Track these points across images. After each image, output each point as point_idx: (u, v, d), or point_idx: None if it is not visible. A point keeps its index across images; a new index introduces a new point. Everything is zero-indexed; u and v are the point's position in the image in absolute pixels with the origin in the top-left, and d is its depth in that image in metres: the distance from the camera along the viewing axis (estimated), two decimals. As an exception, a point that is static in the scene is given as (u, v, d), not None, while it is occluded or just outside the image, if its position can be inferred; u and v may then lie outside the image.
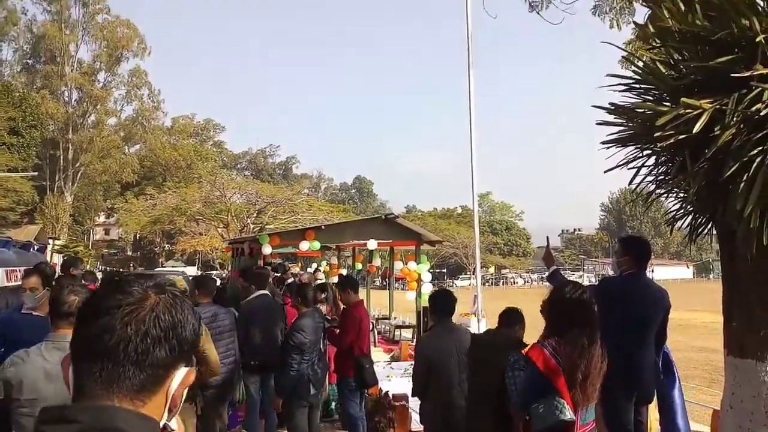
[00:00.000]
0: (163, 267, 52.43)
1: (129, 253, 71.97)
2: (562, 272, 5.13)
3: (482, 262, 69.53)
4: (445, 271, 70.63)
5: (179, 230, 45.33)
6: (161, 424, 1.08)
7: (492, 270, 74.34)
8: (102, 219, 68.40)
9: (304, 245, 13.07)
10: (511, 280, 75.55)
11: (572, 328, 3.38)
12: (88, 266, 21.20)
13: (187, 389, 1.13)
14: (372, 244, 13.41)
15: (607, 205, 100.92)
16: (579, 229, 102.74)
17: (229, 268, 18.57)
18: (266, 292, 6.61)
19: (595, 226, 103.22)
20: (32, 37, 53.46)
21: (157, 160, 61.34)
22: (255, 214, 40.27)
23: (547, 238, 5.89)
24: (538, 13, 6.62)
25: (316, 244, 13.12)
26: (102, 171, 53.27)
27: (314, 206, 44.17)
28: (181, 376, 1.11)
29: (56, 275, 6.31)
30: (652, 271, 77.83)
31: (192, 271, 39.86)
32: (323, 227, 14.05)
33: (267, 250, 12.68)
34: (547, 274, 5.00)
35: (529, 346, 3.70)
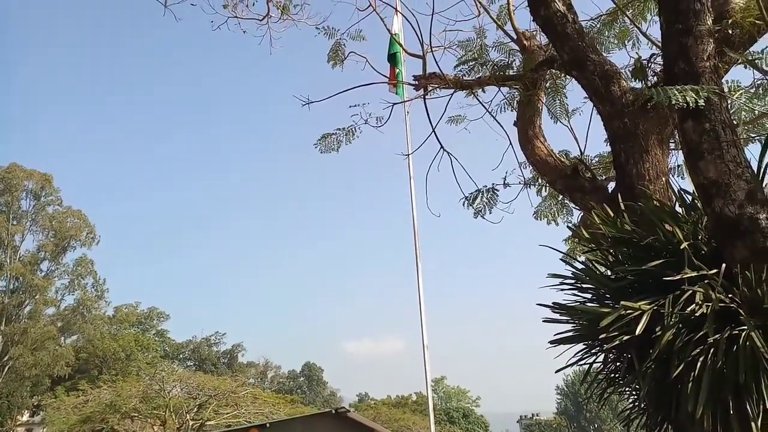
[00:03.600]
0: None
1: (52, 456, 64.88)
2: None
3: (440, 456, 65.76)
4: (400, 467, 65.93)
5: (111, 429, 41.64)
6: None
7: (450, 463, 69.93)
8: (26, 418, 62.50)
9: (248, 446, 12.15)
10: (471, 473, 70.87)
11: None
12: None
13: None
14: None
15: (563, 389, 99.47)
16: (537, 414, 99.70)
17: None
18: None
19: (552, 411, 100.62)
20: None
21: (94, 352, 58.21)
22: (195, 409, 37.68)
23: None
24: (482, 217, 7.05)
25: (261, 445, 12.21)
26: (33, 364, 49.87)
27: (260, 398, 41.82)
28: None
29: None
30: (614, 458, 75.12)
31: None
32: (268, 425, 13.22)
33: (207, 453, 11.68)
34: None
35: None
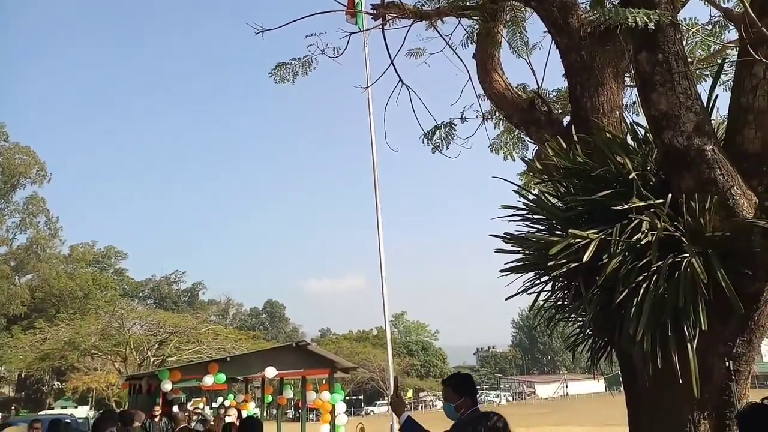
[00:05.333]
0: (50, 408, 47.35)
1: (11, 394, 64.72)
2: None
3: (400, 386, 67.97)
4: (362, 397, 68.27)
5: (71, 366, 41.60)
6: None
7: (410, 394, 72.59)
8: (-18, 357, 61.80)
9: (208, 380, 12.30)
10: (431, 403, 73.91)
11: None
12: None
13: None
14: (270, 372, 12.81)
15: (518, 322, 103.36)
16: (493, 347, 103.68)
17: (126, 407, 17.01)
18: None
19: (508, 343, 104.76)
20: None
21: (50, 291, 57.36)
22: (156, 346, 37.87)
23: (395, 378, 4.96)
24: (440, 152, 7.03)
25: (221, 377, 12.39)
26: (-14, 304, 49.07)
27: (221, 334, 42.24)
28: None
29: None
30: (566, 386, 79.33)
31: (84, 411, 36.16)
32: (228, 359, 13.37)
33: (167, 386, 11.80)
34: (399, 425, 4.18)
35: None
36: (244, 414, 15.24)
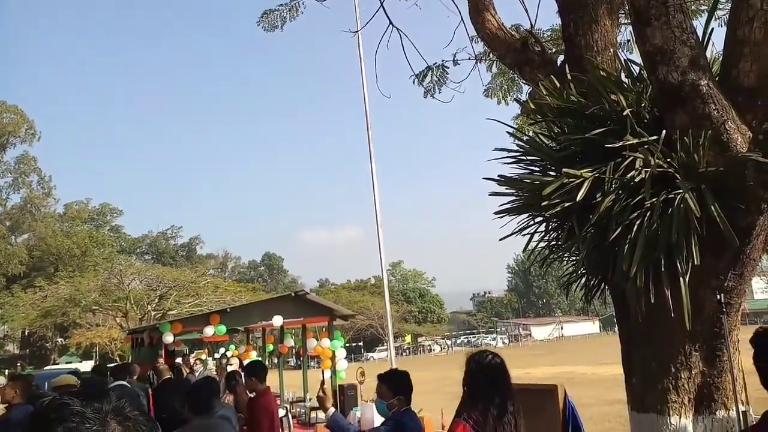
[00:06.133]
0: (56, 364, 48.23)
1: (16, 351, 65.76)
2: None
3: (398, 332, 69.49)
4: (361, 344, 69.62)
5: (73, 323, 42.16)
6: None
7: (408, 339, 74.07)
8: (-16, 316, 62.44)
9: (209, 330, 12.50)
10: (428, 347, 75.53)
11: (490, 396, 3.34)
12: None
13: None
14: (277, 320, 13.05)
15: (513, 267, 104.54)
16: (489, 292, 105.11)
17: (130, 360, 17.34)
18: None
19: (503, 288, 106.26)
20: None
21: (48, 249, 57.57)
22: (156, 300, 38.32)
23: (321, 383, 5.08)
24: (432, 96, 6.94)
25: (222, 328, 12.58)
26: (-16, 264, 49.30)
27: (221, 287, 42.70)
28: None
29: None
30: (561, 327, 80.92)
31: (89, 366, 36.87)
32: (229, 310, 13.54)
33: (169, 338, 11.99)
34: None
35: (451, 421, 3.62)
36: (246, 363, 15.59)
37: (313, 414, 14.75)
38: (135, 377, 8.06)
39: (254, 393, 5.86)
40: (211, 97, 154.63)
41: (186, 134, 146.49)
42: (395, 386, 3.84)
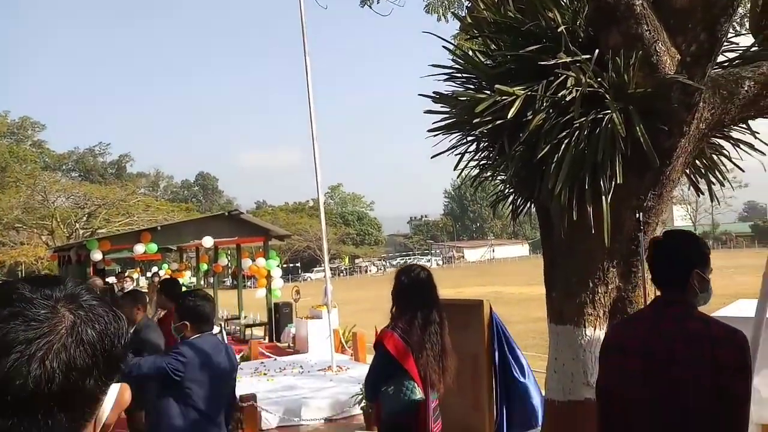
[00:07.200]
0: (-22, 284, 46.36)
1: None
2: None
3: (336, 253, 70.43)
4: (299, 265, 70.27)
5: (-5, 241, 40.35)
6: None
7: (346, 260, 75.29)
8: None
9: (140, 248, 12.22)
10: (365, 268, 77.08)
11: (416, 307, 3.43)
12: None
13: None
14: (207, 241, 12.89)
15: (450, 192, 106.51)
16: (426, 216, 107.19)
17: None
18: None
19: (440, 212, 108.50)
20: None
21: (-37, 164, 54.05)
22: (85, 219, 37.03)
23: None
24: (369, 6, 6.68)
25: (153, 247, 12.32)
26: None
27: (152, 206, 41.58)
28: (113, 399, 0.87)
29: None
30: (493, 250, 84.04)
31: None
32: (160, 228, 13.21)
33: (97, 256, 11.66)
34: None
35: (380, 331, 3.71)
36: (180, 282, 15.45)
37: (248, 331, 14.95)
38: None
39: (165, 310, 5.80)
40: (138, 10, 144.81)
41: (116, 40, 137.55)
42: (181, 308, 3.43)
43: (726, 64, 3.93)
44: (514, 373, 5.18)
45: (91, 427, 0.84)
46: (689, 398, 2.10)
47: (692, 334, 2.16)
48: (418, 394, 3.37)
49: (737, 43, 4.08)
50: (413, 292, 3.42)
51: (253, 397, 6.10)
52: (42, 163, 66.59)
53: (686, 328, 2.18)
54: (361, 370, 5.14)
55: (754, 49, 3.88)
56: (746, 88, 3.47)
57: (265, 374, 8.97)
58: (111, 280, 15.43)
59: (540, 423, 4.88)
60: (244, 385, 7.83)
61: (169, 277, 10.88)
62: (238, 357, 10.98)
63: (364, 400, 6.05)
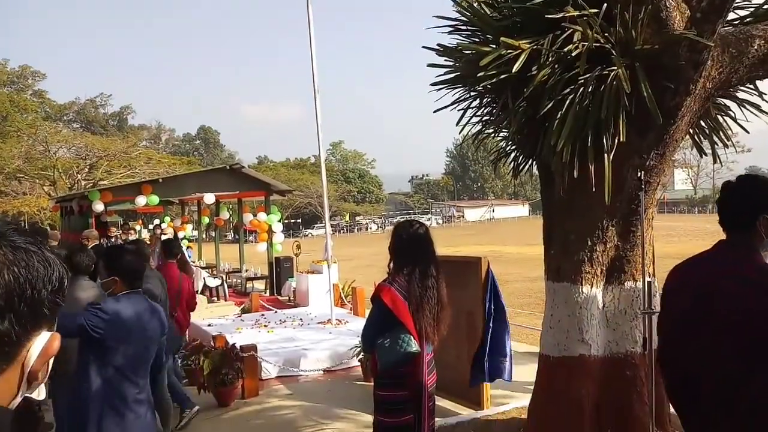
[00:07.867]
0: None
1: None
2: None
3: (336, 211, 70.48)
4: (300, 221, 70.44)
5: (-2, 191, 40.37)
6: (16, 401, 0.85)
7: (347, 217, 75.43)
8: None
9: (141, 200, 12.22)
10: (365, 226, 77.31)
11: (414, 262, 3.45)
12: None
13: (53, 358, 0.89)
14: (209, 198, 12.90)
15: (452, 151, 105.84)
16: (427, 175, 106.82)
17: (59, 228, 16.93)
18: None
19: (441, 172, 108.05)
20: None
21: (-37, 113, 53.63)
22: (86, 170, 36.94)
23: None
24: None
25: (155, 199, 12.31)
26: None
27: (154, 159, 41.40)
28: (40, 346, 0.87)
29: None
30: (493, 210, 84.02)
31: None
32: (161, 180, 13.18)
33: (99, 207, 11.67)
34: None
35: (378, 285, 3.73)
36: (181, 235, 15.52)
37: (249, 284, 15.10)
38: (55, 243, 7.81)
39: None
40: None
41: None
42: (110, 263, 3.29)
43: (737, 21, 3.85)
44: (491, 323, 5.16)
45: (13, 372, 0.85)
46: (746, 342, 2.02)
47: (752, 279, 2.09)
48: (414, 346, 3.42)
49: (749, 0, 3.99)
50: (410, 247, 3.43)
51: (253, 347, 6.19)
52: (43, 113, 66.02)
53: (746, 271, 2.11)
54: (360, 324, 5.22)
55: (766, 6, 3.79)
56: (756, 47, 3.41)
57: (265, 326, 9.09)
58: (114, 230, 15.47)
59: (508, 378, 4.95)
60: (244, 336, 7.95)
61: (169, 238, 10.94)
62: (239, 309, 11.02)
63: (362, 353, 6.14)
